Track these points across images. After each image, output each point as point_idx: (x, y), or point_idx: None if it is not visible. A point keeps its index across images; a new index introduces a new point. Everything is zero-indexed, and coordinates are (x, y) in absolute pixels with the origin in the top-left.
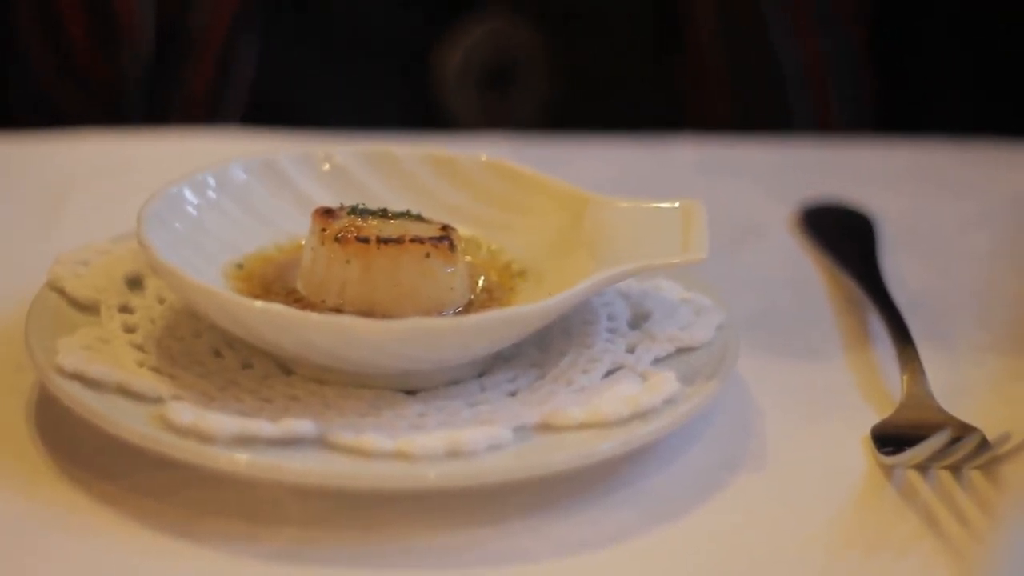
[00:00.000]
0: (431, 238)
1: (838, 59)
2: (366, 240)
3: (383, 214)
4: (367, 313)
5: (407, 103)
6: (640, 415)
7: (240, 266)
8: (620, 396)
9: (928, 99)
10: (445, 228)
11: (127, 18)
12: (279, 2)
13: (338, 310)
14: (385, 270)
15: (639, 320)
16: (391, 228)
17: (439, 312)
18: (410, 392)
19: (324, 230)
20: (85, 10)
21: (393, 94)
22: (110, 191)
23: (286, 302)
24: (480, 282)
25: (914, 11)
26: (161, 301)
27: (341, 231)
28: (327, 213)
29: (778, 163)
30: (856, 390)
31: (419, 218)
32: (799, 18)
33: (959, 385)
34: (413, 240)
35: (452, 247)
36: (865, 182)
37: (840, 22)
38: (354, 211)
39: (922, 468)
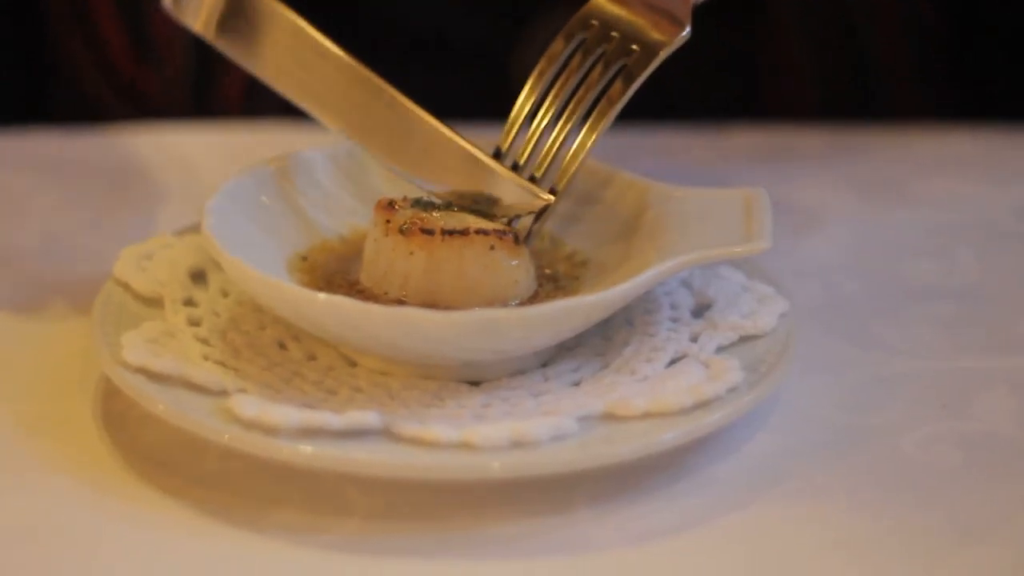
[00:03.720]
0: (496, 230)
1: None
2: (431, 232)
3: (447, 206)
4: (430, 305)
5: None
6: (704, 404)
7: (304, 258)
8: (684, 385)
9: (995, 84)
10: (509, 220)
11: (164, 39)
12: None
13: (401, 302)
14: (449, 262)
15: (702, 309)
16: (455, 220)
17: (502, 304)
18: (474, 383)
19: (388, 222)
20: (126, 32)
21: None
22: (174, 183)
23: (349, 294)
24: (544, 272)
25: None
26: (225, 294)
27: (405, 223)
28: (390, 205)
29: (841, 149)
30: (920, 379)
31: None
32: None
33: None
34: (478, 232)
35: (516, 239)
36: (926, 168)
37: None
38: (418, 203)
39: None
